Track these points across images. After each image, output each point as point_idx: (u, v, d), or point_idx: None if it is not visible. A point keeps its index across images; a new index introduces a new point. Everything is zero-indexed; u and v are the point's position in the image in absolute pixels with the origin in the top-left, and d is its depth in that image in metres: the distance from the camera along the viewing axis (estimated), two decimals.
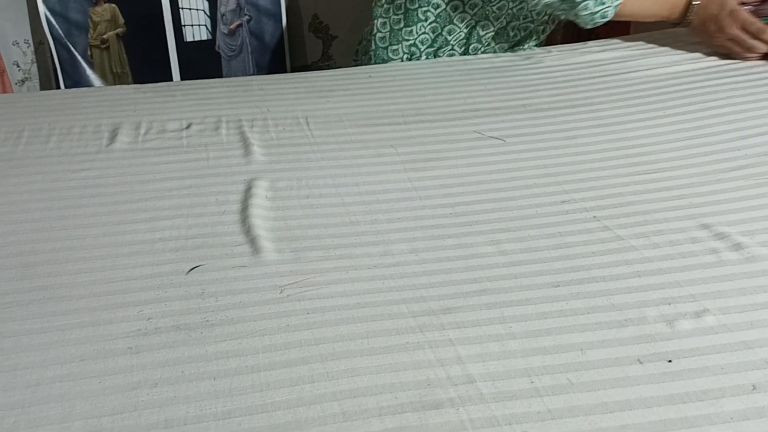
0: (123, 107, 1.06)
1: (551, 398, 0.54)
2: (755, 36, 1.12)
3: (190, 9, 1.50)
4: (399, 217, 0.80)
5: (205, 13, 1.47)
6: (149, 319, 0.64)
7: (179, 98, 1.10)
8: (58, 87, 1.49)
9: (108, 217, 0.80)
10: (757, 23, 1.12)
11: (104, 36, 1.47)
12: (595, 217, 0.78)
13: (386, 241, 0.76)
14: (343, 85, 1.15)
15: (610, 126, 0.99)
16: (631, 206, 0.80)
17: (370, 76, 1.18)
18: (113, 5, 1.45)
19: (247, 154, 0.93)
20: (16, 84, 1.51)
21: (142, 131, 0.99)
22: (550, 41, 1.38)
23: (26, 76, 1.50)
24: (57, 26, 1.42)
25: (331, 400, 0.55)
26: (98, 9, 1.44)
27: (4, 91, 1.49)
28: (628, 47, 1.22)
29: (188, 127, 1.01)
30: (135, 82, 1.54)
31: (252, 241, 0.75)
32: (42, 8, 1.41)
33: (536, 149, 0.93)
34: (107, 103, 1.07)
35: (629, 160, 0.90)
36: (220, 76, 1.35)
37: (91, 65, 1.46)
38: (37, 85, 1.51)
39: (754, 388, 0.55)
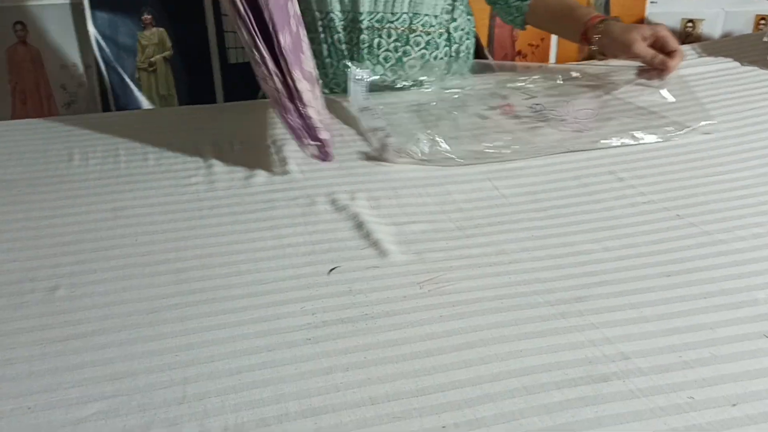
0: (206, 125, 1.12)
1: (701, 369, 0.62)
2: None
3: (233, 32, 1.57)
4: (498, 221, 0.87)
5: None
6: (314, 314, 0.70)
7: (252, 117, 1.17)
8: (106, 110, 1.53)
9: (232, 226, 0.86)
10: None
11: (152, 59, 1.52)
12: (678, 215, 0.87)
13: (496, 242, 0.83)
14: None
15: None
16: (706, 205, 0.89)
17: None
18: (161, 29, 1.50)
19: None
20: (62, 107, 1.55)
21: (236, 146, 1.05)
22: None
23: (72, 99, 1.54)
24: (107, 50, 1.47)
25: (509, 377, 0.61)
26: (146, 33, 1.49)
27: (50, 114, 1.53)
28: None
29: (274, 143, 1.07)
30: (180, 104, 1.60)
31: (375, 244, 0.82)
32: (92, 31, 1.45)
33: (601, 156, 1.02)
34: (192, 122, 1.13)
35: (697, 163, 0.99)
36: (263, 98, 1.41)
37: (139, 87, 1.51)
38: (82, 108, 1.56)
39: None
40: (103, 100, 1.53)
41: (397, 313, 0.70)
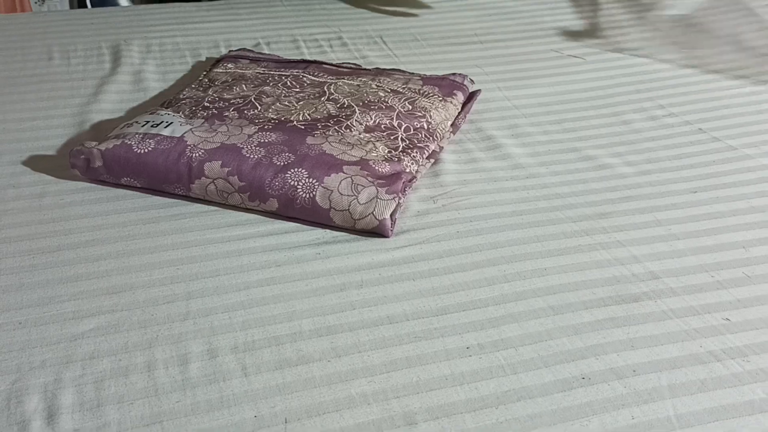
0: (194, 25, 1.05)
1: (735, 290, 0.59)
2: None
3: None
4: (512, 134, 0.82)
5: None
6: (323, 228, 0.65)
7: (245, 17, 1.09)
8: (82, 6, 1.44)
9: None
10: None
11: None
12: (700, 129, 0.83)
13: (510, 155, 0.78)
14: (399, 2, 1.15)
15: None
16: (729, 119, 0.84)
17: None
18: None
19: None
20: (35, 3, 1.45)
21: (222, 48, 0.98)
22: None
23: None
24: None
25: (533, 296, 0.58)
26: None
27: (22, 10, 1.43)
28: None
29: (268, 45, 1.00)
30: (160, 1, 1.50)
31: None
32: None
33: (617, 67, 0.97)
34: (176, 20, 1.05)
35: (712, 75, 0.94)
36: None
37: None
38: (58, 6, 1.46)
39: None
40: None
41: (412, 229, 0.66)
